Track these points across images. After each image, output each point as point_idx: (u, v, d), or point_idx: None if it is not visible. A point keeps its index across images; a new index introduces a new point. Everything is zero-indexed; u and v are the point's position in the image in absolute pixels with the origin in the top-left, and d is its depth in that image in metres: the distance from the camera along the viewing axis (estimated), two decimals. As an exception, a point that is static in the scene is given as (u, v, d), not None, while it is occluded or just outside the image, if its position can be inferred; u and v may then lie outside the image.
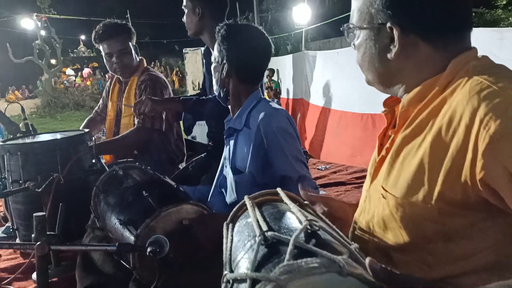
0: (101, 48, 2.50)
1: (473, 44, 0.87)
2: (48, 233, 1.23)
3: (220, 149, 1.83)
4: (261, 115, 1.50)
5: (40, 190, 1.53)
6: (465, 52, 0.83)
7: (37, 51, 18.21)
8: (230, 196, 1.59)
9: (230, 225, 0.75)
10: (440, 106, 0.80)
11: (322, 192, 2.64)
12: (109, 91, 2.76)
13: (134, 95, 2.52)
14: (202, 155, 2.39)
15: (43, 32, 18.94)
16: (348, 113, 4.79)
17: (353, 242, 0.60)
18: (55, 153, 1.66)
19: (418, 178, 0.79)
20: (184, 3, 2.18)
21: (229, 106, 1.66)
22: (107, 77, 15.82)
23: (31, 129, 2.07)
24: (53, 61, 20.32)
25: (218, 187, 1.71)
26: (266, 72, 1.69)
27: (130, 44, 2.52)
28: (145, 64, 2.65)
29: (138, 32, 2.71)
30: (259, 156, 1.49)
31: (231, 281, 0.55)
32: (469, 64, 0.81)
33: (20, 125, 2.08)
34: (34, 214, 1.22)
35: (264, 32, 1.61)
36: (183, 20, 2.22)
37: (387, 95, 1.00)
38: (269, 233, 0.58)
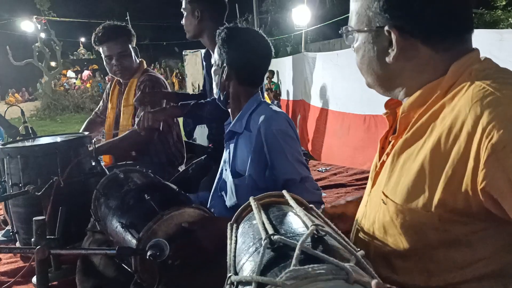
0: (101, 50, 2.50)
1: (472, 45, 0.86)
2: (48, 237, 1.22)
3: (220, 151, 1.83)
4: (261, 118, 1.50)
5: (40, 193, 1.52)
6: (467, 54, 0.82)
7: (37, 53, 18.24)
8: (230, 200, 1.58)
9: (234, 225, 0.74)
10: (441, 111, 0.79)
11: (323, 194, 2.64)
12: (109, 93, 2.76)
13: (133, 96, 2.52)
14: (202, 157, 2.39)
15: (42, 35, 18.98)
16: (350, 114, 4.79)
17: (359, 249, 0.60)
18: (55, 156, 1.65)
19: (418, 184, 0.78)
20: (183, 6, 2.18)
21: (229, 109, 1.66)
22: (107, 79, 15.85)
23: (31, 132, 2.06)
24: (53, 64, 20.34)
25: (218, 190, 1.70)
26: (266, 74, 1.68)
27: (130, 46, 2.52)
28: (145, 66, 2.66)
29: (137, 34, 2.71)
30: (260, 159, 1.49)
31: (235, 284, 0.55)
32: (472, 67, 0.80)
33: (20, 128, 2.07)
34: (34, 218, 1.22)
35: (264, 35, 1.61)
36: (182, 22, 2.22)
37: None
38: (276, 237, 0.57)
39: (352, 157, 4.42)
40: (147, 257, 1.01)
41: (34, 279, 1.49)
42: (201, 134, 4.90)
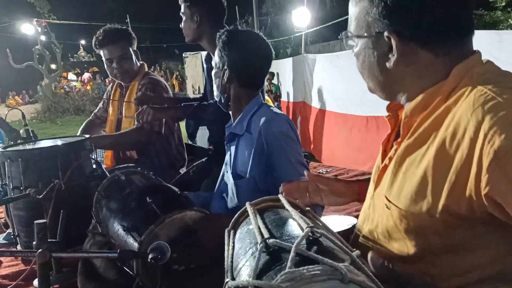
0: (101, 53, 2.51)
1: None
2: (49, 240, 1.22)
3: (221, 153, 1.83)
4: (262, 120, 1.50)
5: (41, 196, 1.52)
6: (468, 58, 0.81)
7: (37, 56, 18.28)
8: (231, 201, 1.58)
9: (232, 231, 0.74)
10: (443, 116, 0.78)
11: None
12: (111, 95, 2.76)
13: (135, 99, 2.53)
14: (203, 159, 2.39)
15: (43, 37, 19.02)
16: (352, 115, 4.80)
17: (354, 249, 0.60)
18: (56, 159, 1.66)
19: (422, 190, 0.78)
20: (182, 10, 2.18)
21: (230, 112, 1.66)
22: (107, 81, 15.86)
23: (31, 135, 2.07)
24: (53, 66, 20.40)
25: (220, 192, 1.71)
26: (267, 76, 1.69)
27: (130, 49, 2.52)
28: (146, 69, 2.66)
29: (138, 36, 2.71)
30: (261, 160, 1.49)
31: None
32: (473, 71, 0.79)
33: (21, 131, 2.07)
34: (35, 222, 1.22)
35: (265, 37, 1.61)
36: (181, 26, 2.22)
37: None
38: (271, 240, 0.58)
39: (354, 157, 4.42)
40: (149, 260, 1.01)
41: (35, 282, 1.49)
42: (201, 137, 4.90)
